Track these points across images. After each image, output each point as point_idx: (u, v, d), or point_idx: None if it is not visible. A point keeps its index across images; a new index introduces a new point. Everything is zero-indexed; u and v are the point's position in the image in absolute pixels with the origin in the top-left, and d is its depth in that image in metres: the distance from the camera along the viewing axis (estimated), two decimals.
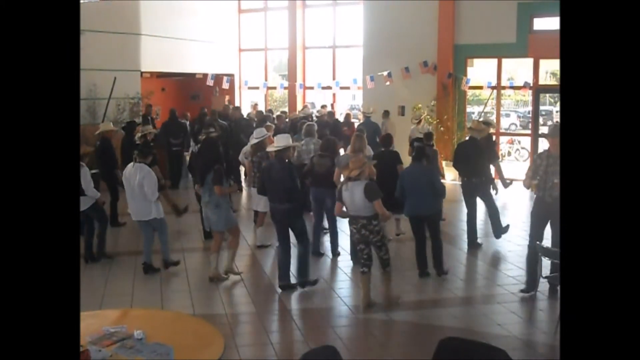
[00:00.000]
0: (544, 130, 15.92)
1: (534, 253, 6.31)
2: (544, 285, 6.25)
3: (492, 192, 8.78)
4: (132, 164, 7.49)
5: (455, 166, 9.01)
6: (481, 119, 9.55)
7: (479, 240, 8.73)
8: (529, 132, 16.05)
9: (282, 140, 6.93)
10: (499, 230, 8.85)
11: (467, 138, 9.24)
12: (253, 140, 8.34)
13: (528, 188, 6.70)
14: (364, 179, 6.09)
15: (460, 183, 8.88)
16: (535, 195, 6.63)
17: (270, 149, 7.22)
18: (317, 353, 3.40)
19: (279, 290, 7.00)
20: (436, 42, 15.12)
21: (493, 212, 8.79)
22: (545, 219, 6.45)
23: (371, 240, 6.23)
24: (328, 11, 18.65)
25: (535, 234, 6.49)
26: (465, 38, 14.91)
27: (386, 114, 14.20)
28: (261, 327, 6.05)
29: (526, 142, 17.39)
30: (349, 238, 7.72)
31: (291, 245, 7.09)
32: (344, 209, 6.31)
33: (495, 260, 8.33)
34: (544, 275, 6.09)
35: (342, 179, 6.64)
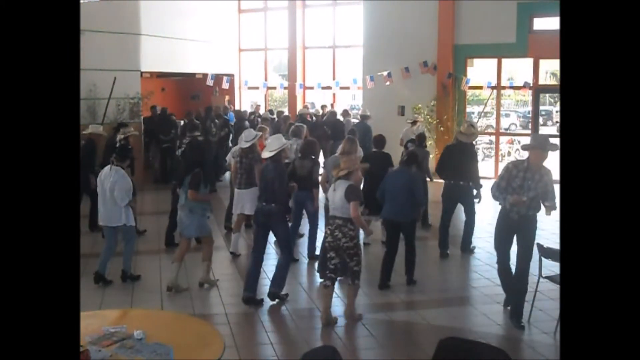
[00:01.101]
0: (543, 130, 15.90)
1: (505, 269, 6.27)
2: (543, 285, 6.24)
3: (475, 200, 8.46)
4: (109, 166, 7.23)
5: (439, 170, 8.62)
6: (467, 122, 9.28)
7: (448, 250, 8.52)
8: (528, 132, 16.05)
9: (275, 142, 6.81)
10: (467, 245, 8.58)
11: (455, 142, 8.92)
12: (243, 144, 8.15)
13: (497, 200, 5.96)
14: (352, 180, 5.96)
15: (444, 187, 8.52)
16: (500, 207, 6.01)
17: (264, 154, 7.01)
18: (317, 353, 3.40)
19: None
20: (436, 42, 15.12)
21: (470, 225, 8.55)
22: (512, 234, 5.99)
23: (342, 245, 5.83)
24: (328, 11, 18.64)
25: (503, 250, 6.16)
26: (465, 38, 14.91)
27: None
28: (261, 327, 6.05)
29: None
30: None
31: (264, 257, 6.89)
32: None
33: (495, 260, 8.31)
34: (544, 275, 6.08)
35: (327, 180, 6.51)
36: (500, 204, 5.99)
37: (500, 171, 6.11)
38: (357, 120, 14.67)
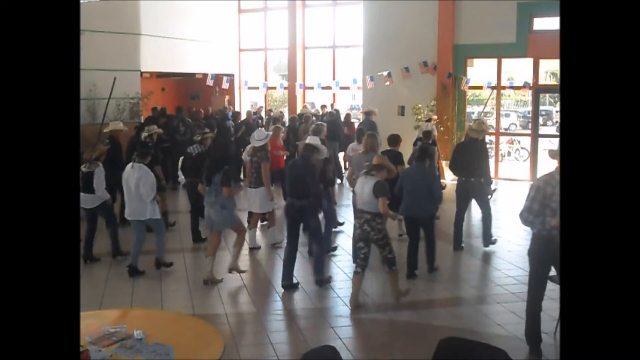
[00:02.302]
0: (543, 130, 15.90)
1: (536, 300, 5.30)
2: None
3: (488, 196, 8.60)
4: (131, 163, 7.49)
5: (453, 167, 8.81)
6: (477, 120, 9.44)
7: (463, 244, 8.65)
8: (528, 132, 16.05)
9: (311, 141, 7.18)
10: (488, 238, 8.70)
11: (466, 139, 9.10)
12: (255, 142, 8.36)
13: (532, 227, 5.03)
14: (379, 177, 6.20)
15: (457, 183, 8.71)
16: (535, 232, 5.08)
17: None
18: (317, 353, 3.40)
19: (280, 290, 7.00)
20: (436, 42, 15.13)
21: (487, 218, 8.65)
22: (550, 261, 5.11)
23: (372, 237, 6.22)
24: (328, 11, 18.65)
25: (540, 281, 5.27)
26: (465, 38, 14.91)
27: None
28: (261, 327, 6.06)
29: (526, 142, 17.39)
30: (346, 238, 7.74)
31: (297, 248, 7.20)
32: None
33: (495, 260, 8.32)
34: None
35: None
36: (534, 230, 5.07)
37: (529, 191, 4.92)
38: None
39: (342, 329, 5.99)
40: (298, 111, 16.61)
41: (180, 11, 16.05)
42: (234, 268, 7.43)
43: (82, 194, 7.69)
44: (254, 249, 8.66)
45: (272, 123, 12.76)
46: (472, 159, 8.41)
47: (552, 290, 6.44)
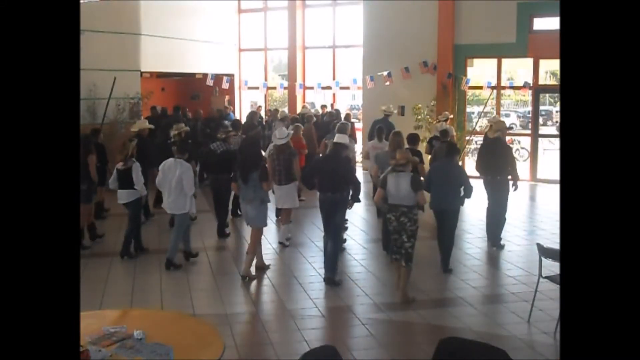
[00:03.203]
0: (543, 130, 15.88)
1: None
2: (543, 286, 6.24)
3: (512, 188, 8.82)
4: (172, 159, 7.82)
5: (479, 166, 8.94)
6: (498, 120, 9.87)
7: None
8: (528, 132, 16.04)
9: (341, 139, 7.47)
10: (497, 240, 8.80)
11: (487, 139, 9.46)
12: (277, 141, 8.51)
13: None
14: (408, 171, 6.64)
15: (483, 182, 8.92)
16: None
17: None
18: (317, 353, 3.40)
19: (280, 290, 7.01)
20: (436, 42, 15.12)
21: (501, 220, 8.79)
22: None
23: (407, 228, 6.59)
24: (328, 11, 18.63)
25: None
26: (465, 38, 14.91)
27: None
28: (261, 327, 6.06)
29: (526, 142, 17.38)
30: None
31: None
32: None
33: (495, 260, 8.33)
34: (544, 275, 6.08)
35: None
36: None
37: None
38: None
39: (342, 329, 5.99)
40: (298, 111, 16.60)
41: (180, 11, 16.03)
42: (261, 265, 7.67)
43: (120, 190, 8.11)
44: (282, 244, 8.90)
45: (291, 122, 12.78)
46: (497, 158, 8.66)
47: (553, 290, 6.48)
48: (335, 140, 7.54)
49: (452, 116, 14.01)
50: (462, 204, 7.95)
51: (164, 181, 7.76)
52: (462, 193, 7.68)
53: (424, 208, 6.91)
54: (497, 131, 8.99)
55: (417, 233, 6.71)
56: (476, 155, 9.52)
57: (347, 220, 8.70)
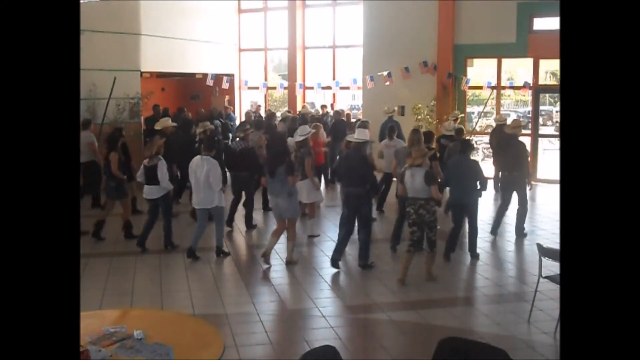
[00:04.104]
0: (543, 130, 15.90)
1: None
2: (543, 286, 6.24)
3: (527, 187, 9.30)
4: (199, 156, 8.10)
5: (496, 163, 9.51)
6: (514, 119, 10.47)
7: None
8: (528, 132, 16.04)
9: (362, 135, 7.87)
10: (521, 231, 9.28)
11: (503, 137, 10.05)
12: (297, 137, 8.75)
13: None
14: (425, 167, 7.06)
15: (500, 177, 9.48)
16: None
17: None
18: (317, 353, 3.40)
19: (280, 290, 7.01)
20: (436, 42, 15.12)
21: (523, 210, 9.26)
22: None
23: (426, 220, 7.01)
24: (328, 11, 18.62)
25: None
26: (465, 38, 14.91)
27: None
28: (261, 327, 6.05)
29: (526, 142, 17.35)
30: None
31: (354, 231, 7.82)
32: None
33: (495, 260, 8.33)
34: (544, 275, 6.08)
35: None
36: None
37: None
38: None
39: (342, 329, 5.99)
40: (298, 111, 16.58)
41: (180, 11, 16.02)
42: (290, 262, 7.91)
43: (146, 187, 8.39)
44: (312, 236, 9.25)
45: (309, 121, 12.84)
46: (513, 155, 9.11)
47: (553, 290, 6.48)
48: (356, 136, 7.94)
49: (462, 115, 14.09)
50: (480, 196, 8.29)
51: (193, 178, 8.07)
52: (479, 187, 8.07)
53: (440, 203, 7.26)
54: (515, 128, 9.47)
55: (436, 224, 7.10)
56: (480, 153, 10.01)
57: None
